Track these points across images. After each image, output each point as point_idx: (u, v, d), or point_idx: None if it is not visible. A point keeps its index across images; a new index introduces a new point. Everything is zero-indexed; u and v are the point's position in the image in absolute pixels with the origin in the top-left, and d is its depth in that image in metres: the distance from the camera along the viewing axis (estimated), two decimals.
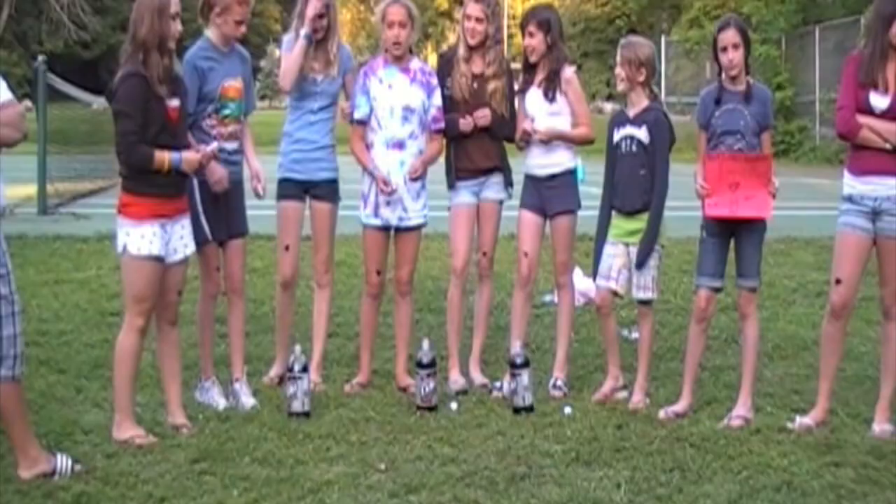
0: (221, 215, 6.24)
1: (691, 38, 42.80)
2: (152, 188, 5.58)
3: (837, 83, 6.17)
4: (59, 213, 15.23)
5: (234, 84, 6.29)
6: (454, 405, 6.35)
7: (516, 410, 6.25)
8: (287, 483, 5.12)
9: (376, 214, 6.65)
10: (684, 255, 10.15)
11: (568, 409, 6.28)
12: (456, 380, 6.85)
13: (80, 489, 4.99)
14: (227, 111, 6.27)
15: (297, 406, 6.13)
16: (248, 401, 6.30)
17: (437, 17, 62.68)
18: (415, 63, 6.74)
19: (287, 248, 6.78)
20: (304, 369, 6.20)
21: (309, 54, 6.61)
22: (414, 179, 6.61)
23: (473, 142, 6.78)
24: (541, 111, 6.67)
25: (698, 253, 6.29)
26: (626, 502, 4.93)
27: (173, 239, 5.73)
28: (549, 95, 6.63)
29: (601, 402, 6.46)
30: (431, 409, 6.27)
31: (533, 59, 6.65)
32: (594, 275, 6.60)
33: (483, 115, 6.70)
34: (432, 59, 6.72)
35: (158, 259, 5.62)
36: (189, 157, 5.65)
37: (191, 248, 5.85)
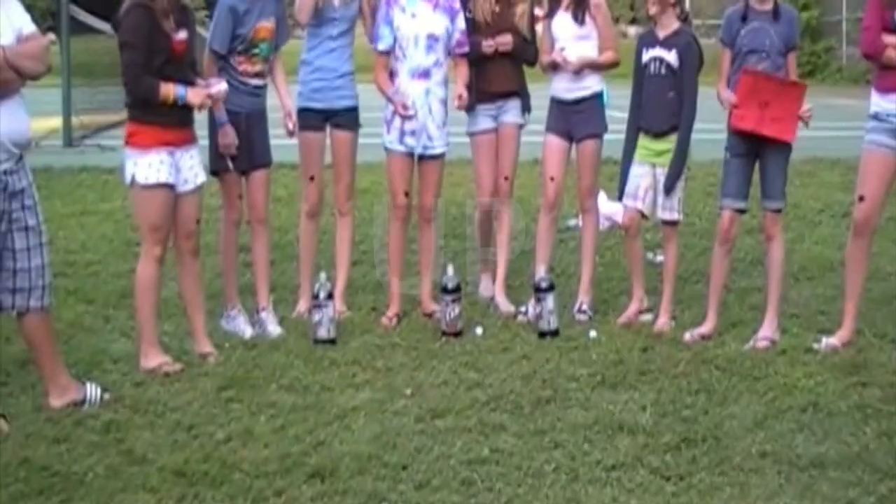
0: (243, 146, 6.18)
1: None
2: (158, 117, 5.53)
3: (864, 3, 6.05)
4: (84, 146, 15.22)
5: (266, 25, 6.17)
6: (479, 330, 6.34)
7: (541, 335, 6.23)
8: (313, 409, 5.13)
9: (401, 141, 6.58)
10: (709, 178, 10.04)
11: (593, 333, 6.26)
12: (487, 287, 7.04)
13: (110, 417, 5.02)
14: (256, 51, 6.18)
15: (322, 333, 6.13)
16: (273, 329, 6.30)
17: None
18: None
19: (312, 178, 6.74)
20: (330, 296, 6.19)
21: None
22: (461, 108, 6.60)
23: (493, 66, 6.70)
24: (569, 35, 6.56)
25: (722, 174, 6.21)
26: (652, 424, 4.91)
27: (183, 168, 5.68)
28: (579, 18, 6.52)
29: (626, 325, 6.43)
30: (457, 334, 6.25)
31: None
32: (620, 195, 6.55)
33: (505, 41, 6.62)
34: None
35: (168, 186, 5.59)
36: (195, 91, 5.57)
37: (201, 177, 5.79)
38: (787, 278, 6.90)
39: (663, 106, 6.30)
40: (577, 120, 6.63)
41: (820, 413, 5.05)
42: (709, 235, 8.19)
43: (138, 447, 4.68)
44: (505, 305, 6.82)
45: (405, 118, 6.45)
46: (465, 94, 6.51)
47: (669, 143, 6.31)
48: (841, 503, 4.14)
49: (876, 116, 5.84)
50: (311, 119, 6.62)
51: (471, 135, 6.89)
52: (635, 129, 6.43)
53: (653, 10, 6.32)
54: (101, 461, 4.53)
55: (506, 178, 6.94)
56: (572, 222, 8.89)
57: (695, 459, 4.53)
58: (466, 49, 6.59)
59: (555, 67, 6.58)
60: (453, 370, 5.68)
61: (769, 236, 6.22)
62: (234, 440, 4.76)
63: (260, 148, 6.33)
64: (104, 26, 20.89)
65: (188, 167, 5.70)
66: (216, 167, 6.20)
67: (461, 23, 6.57)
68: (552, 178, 6.72)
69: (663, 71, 6.27)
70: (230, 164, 6.17)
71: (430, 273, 6.80)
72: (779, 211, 6.17)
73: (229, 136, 6.09)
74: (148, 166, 5.53)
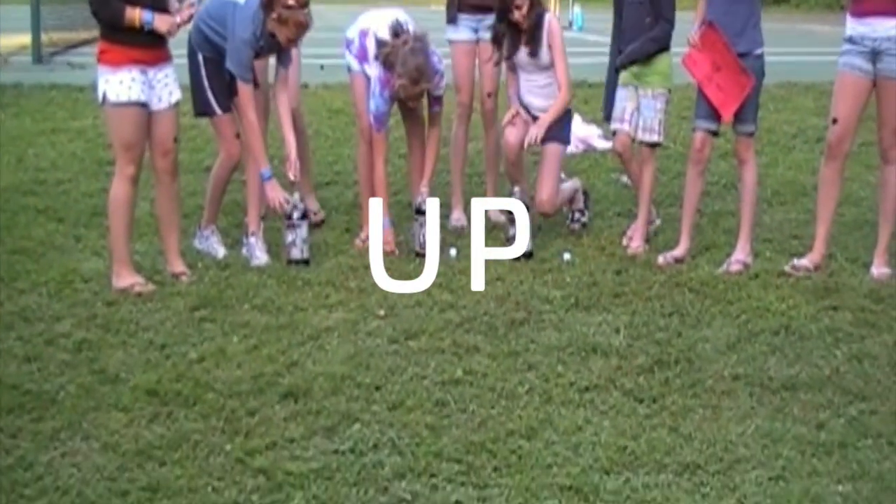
0: (226, 84, 6.08)
1: None
2: (128, 36, 5.42)
3: None
4: (54, 62, 14.97)
5: None
6: (453, 251, 6.29)
7: (516, 258, 6.19)
8: (286, 329, 5.08)
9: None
10: (684, 102, 9.96)
11: (567, 255, 6.23)
12: (458, 217, 6.93)
13: (82, 336, 4.95)
14: None
15: (296, 253, 6.08)
16: (261, 257, 6.18)
17: None
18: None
19: None
20: (304, 216, 6.12)
21: None
22: None
23: None
24: (531, 67, 6.56)
25: (696, 96, 6.16)
26: (625, 346, 4.89)
27: (157, 87, 5.58)
28: (534, 52, 6.48)
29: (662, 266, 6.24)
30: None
31: (525, 25, 6.42)
32: (607, 117, 6.60)
33: None
34: None
35: (140, 105, 5.49)
36: (162, 18, 5.44)
37: (176, 95, 5.68)
38: (761, 202, 6.88)
39: (642, 31, 6.30)
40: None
41: (792, 336, 5.05)
42: (683, 159, 8.13)
43: (110, 366, 4.63)
44: (495, 215, 6.83)
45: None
46: (425, 194, 6.38)
47: (651, 67, 6.32)
48: (811, 424, 4.14)
49: (850, 40, 5.80)
50: None
51: (450, 42, 7.00)
52: (617, 53, 6.45)
53: None
54: (72, 380, 4.48)
55: (489, 95, 7.02)
56: None
57: (667, 381, 4.53)
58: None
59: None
60: (426, 291, 5.63)
61: (742, 160, 6.19)
62: (206, 360, 4.71)
63: None
64: None
65: (162, 85, 5.59)
66: (202, 110, 6.13)
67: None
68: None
69: None
70: (215, 105, 6.07)
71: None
72: (751, 135, 6.13)
73: (277, 191, 6.05)
74: (119, 84, 5.42)
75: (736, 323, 5.21)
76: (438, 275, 5.85)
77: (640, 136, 6.42)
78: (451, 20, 6.94)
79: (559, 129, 6.60)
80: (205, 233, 6.34)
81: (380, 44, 6.25)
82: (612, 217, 7.12)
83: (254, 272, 5.92)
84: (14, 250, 6.20)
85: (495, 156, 7.13)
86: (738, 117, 6.03)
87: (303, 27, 5.89)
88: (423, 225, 6.20)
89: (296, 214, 6.07)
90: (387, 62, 6.15)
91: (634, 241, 6.41)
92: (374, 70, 6.31)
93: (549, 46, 6.47)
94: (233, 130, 6.19)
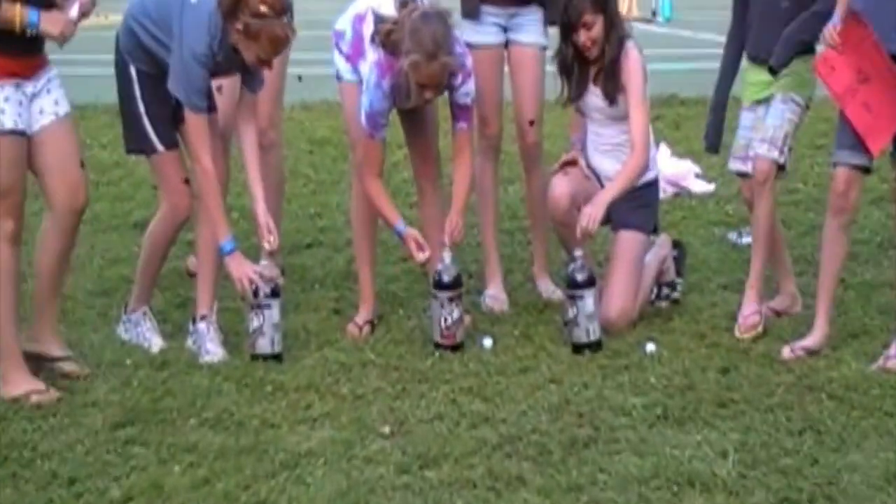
0: (170, 109, 6.15)
1: None
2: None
3: None
4: None
5: None
6: (488, 342, 6.33)
7: (576, 348, 6.24)
8: (250, 455, 5.12)
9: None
10: (819, 125, 10.06)
11: (651, 346, 6.25)
12: (495, 294, 7.01)
13: None
14: None
15: (263, 345, 6.12)
16: (215, 350, 6.24)
17: None
18: None
19: None
20: (275, 293, 6.17)
21: None
22: None
23: None
24: (601, 116, 6.72)
25: (837, 120, 6.21)
26: (737, 477, 4.89)
27: (36, 102, 5.69)
28: (611, 97, 6.60)
29: (750, 327, 6.44)
30: (456, 347, 6.25)
31: (595, 53, 6.56)
32: (709, 146, 6.78)
33: None
34: None
35: (17, 133, 5.59)
36: (50, 17, 5.53)
37: (64, 106, 5.81)
38: None
39: (776, 20, 6.35)
40: (621, 205, 6.64)
41: None
42: (819, 207, 8.19)
43: None
44: (549, 289, 7.05)
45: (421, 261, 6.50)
46: (458, 224, 6.51)
47: (789, 68, 6.36)
48: None
49: None
50: None
51: (469, 47, 6.76)
52: (735, 56, 6.56)
53: None
54: None
55: (531, 123, 7.04)
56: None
57: None
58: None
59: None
60: (451, 399, 5.67)
61: None
62: (135, 499, 4.74)
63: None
64: None
65: (44, 95, 5.72)
66: (135, 145, 6.25)
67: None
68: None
69: None
70: (155, 140, 6.14)
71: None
72: None
73: (244, 266, 6.12)
74: None
75: None
76: (467, 374, 5.88)
77: (758, 147, 6.45)
78: (470, 13, 6.93)
79: (636, 209, 6.68)
80: (133, 317, 6.40)
81: (378, 20, 6.28)
82: (716, 291, 7.14)
83: (203, 372, 5.97)
84: None
85: (544, 206, 7.12)
86: None
87: (280, 43, 5.91)
88: (445, 304, 6.23)
89: (263, 291, 6.12)
90: (388, 41, 6.18)
91: (746, 308, 6.47)
92: (371, 55, 6.33)
93: (625, 87, 6.54)
94: (179, 174, 6.24)
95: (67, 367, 5.93)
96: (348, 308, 6.77)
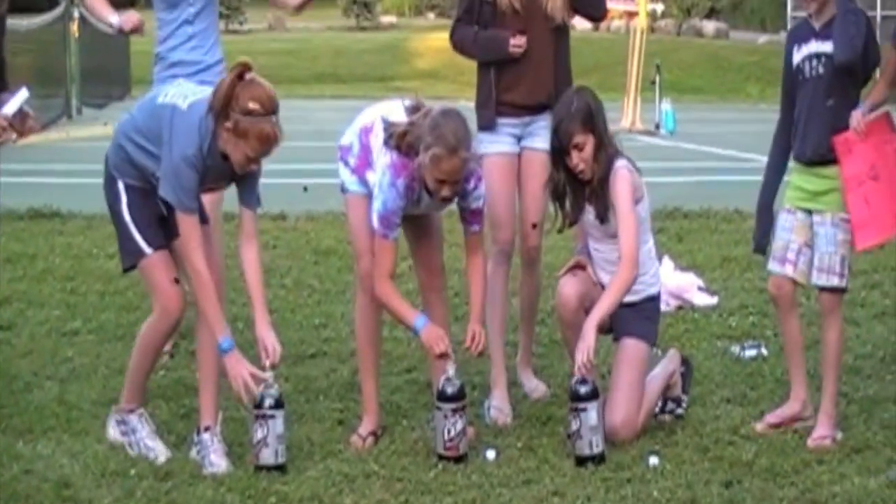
0: (156, 216, 6.25)
1: None
2: None
3: None
4: None
5: None
6: (491, 453, 6.33)
7: (580, 461, 6.24)
8: None
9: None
10: None
11: (654, 460, 6.26)
12: (500, 405, 7.01)
13: None
14: None
15: (267, 456, 6.12)
16: (219, 461, 6.24)
17: None
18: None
19: None
20: (279, 404, 6.19)
21: None
22: None
23: (524, 68, 7.01)
24: (598, 234, 6.78)
25: None
26: None
27: None
28: (602, 216, 6.65)
29: (774, 427, 6.54)
30: (459, 459, 6.25)
31: (588, 174, 6.60)
32: (757, 247, 6.84)
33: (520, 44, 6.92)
34: None
35: None
36: None
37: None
38: None
39: (822, 120, 6.42)
40: (625, 314, 6.72)
41: None
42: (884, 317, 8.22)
43: None
44: (532, 385, 7.26)
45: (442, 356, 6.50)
46: (479, 333, 6.55)
47: (832, 177, 6.39)
48: None
49: None
50: None
51: (485, 157, 6.92)
52: (782, 156, 6.65)
53: (812, 6, 6.51)
54: None
55: (534, 226, 7.20)
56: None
57: None
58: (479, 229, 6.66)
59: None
60: None
61: None
62: None
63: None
64: None
65: None
66: (129, 261, 6.32)
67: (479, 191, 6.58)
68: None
69: (822, 70, 6.44)
70: (142, 243, 6.20)
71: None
72: None
73: (242, 365, 6.09)
74: None
75: None
76: (470, 486, 5.89)
77: (816, 279, 6.52)
78: (487, 126, 7.07)
79: (641, 320, 6.74)
80: (130, 420, 6.34)
81: (388, 125, 6.36)
82: (719, 404, 7.12)
83: (207, 483, 5.97)
84: None
85: (534, 305, 7.37)
86: None
87: (269, 141, 5.94)
88: (449, 415, 6.26)
89: (268, 401, 6.14)
90: (403, 143, 6.26)
91: (819, 429, 6.50)
92: (383, 159, 6.38)
93: (613, 204, 6.58)
94: (169, 274, 6.27)
95: None
96: (352, 419, 6.78)
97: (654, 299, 6.84)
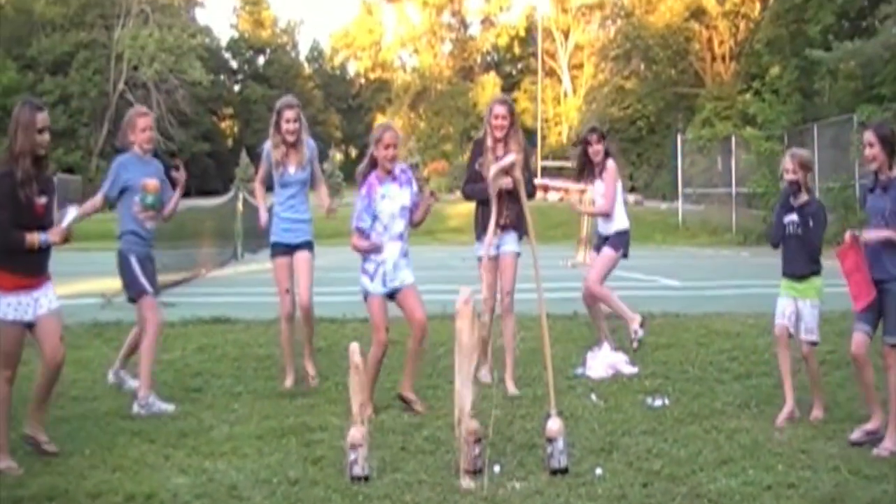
0: (150, 274, 7.74)
1: (703, 135, 43.01)
2: (18, 262, 6.07)
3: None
4: None
5: (151, 181, 7.73)
6: (497, 468, 6.29)
7: (553, 472, 6.19)
8: None
9: (385, 285, 7.39)
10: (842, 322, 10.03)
11: (599, 471, 6.21)
12: (485, 374, 7.98)
13: None
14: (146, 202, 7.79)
15: (357, 472, 6.00)
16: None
17: (478, 122, 63.67)
18: (395, 168, 7.46)
19: (287, 290, 8.45)
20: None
21: (287, 155, 8.40)
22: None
23: (498, 204, 7.49)
24: (599, 192, 9.29)
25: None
26: None
27: (38, 301, 6.20)
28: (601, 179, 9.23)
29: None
30: (476, 472, 6.19)
31: (597, 160, 9.13)
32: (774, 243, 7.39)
33: (507, 182, 7.33)
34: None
35: (24, 324, 6.17)
36: (53, 231, 6.20)
37: (55, 303, 6.28)
38: None
39: (802, 256, 7.20)
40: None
41: None
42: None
43: None
44: (512, 389, 8.07)
45: (373, 251, 7.34)
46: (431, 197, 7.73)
47: (809, 284, 7.23)
48: None
49: None
50: (280, 249, 8.56)
51: (479, 258, 8.08)
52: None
53: (790, 179, 7.16)
54: None
55: (508, 293, 8.29)
56: (579, 371, 8.97)
57: None
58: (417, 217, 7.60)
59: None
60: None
61: (888, 366, 6.54)
62: None
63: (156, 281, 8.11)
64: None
65: (44, 296, 6.26)
66: (133, 292, 7.63)
67: (414, 186, 7.51)
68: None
69: (800, 231, 7.16)
70: (144, 283, 7.46)
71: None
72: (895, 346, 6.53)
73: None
74: (7, 305, 6.09)
75: None
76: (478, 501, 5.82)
77: (805, 336, 7.20)
78: (478, 238, 8.10)
79: (615, 239, 9.08)
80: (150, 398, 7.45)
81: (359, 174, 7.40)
82: (638, 435, 7.03)
83: (321, 487, 5.86)
84: (114, 468, 6.29)
85: (513, 341, 8.37)
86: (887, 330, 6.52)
87: (146, 119, 8.03)
88: (469, 443, 6.19)
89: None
90: (368, 165, 7.31)
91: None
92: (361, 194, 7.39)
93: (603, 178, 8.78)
94: (157, 309, 7.57)
95: (48, 448, 6.42)
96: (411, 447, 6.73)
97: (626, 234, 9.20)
